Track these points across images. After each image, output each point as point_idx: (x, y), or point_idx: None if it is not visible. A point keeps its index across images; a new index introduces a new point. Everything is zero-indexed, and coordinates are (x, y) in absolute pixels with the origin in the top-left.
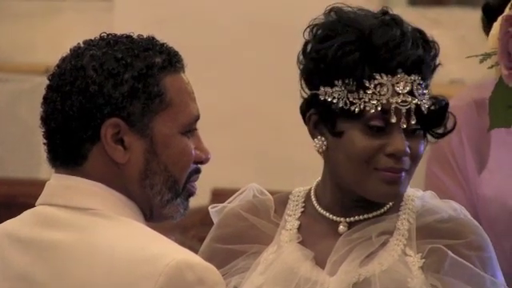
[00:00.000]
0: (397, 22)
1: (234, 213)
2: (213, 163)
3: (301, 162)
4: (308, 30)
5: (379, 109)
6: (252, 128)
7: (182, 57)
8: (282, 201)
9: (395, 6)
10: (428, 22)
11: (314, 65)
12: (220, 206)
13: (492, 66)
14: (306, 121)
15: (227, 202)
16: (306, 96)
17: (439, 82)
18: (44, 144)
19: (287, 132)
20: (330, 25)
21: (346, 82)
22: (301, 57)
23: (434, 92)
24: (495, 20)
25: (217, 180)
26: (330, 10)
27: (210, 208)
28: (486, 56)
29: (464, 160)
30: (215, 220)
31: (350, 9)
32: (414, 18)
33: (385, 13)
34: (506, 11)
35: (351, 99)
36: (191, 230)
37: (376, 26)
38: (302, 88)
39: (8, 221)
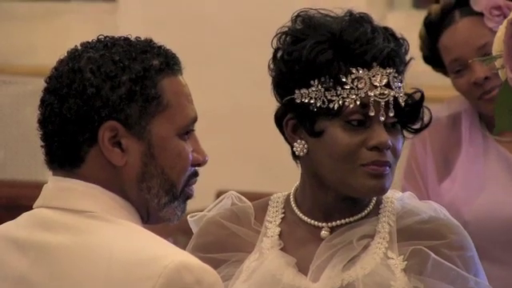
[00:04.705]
0: (365, 19)
1: (214, 221)
2: (217, 165)
3: None
4: (275, 38)
5: (358, 103)
6: (256, 129)
7: (185, 58)
8: (261, 207)
9: (399, 8)
10: None
11: (287, 68)
12: (199, 214)
13: (497, 69)
14: (284, 127)
15: (206, 210)
16: (279, 104)
17: (441, 85)
18: (41, 147)
19: None
20: (298, 30)
21: (322, 80)
22: (271, 65)
23: (437, 95)
24: (435, 34)
25: (221, 182)
26: (297, 16)
27: (188, 217)
28: (491, 59)
29: (425, 168)
30: (194, 229)
31: (316, 13)
32: (418, 20)
33: (352, 13)
34: None
35: (329, 97)
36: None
37: (345, 25)
38: (275, 97)
39: (6, 223)
